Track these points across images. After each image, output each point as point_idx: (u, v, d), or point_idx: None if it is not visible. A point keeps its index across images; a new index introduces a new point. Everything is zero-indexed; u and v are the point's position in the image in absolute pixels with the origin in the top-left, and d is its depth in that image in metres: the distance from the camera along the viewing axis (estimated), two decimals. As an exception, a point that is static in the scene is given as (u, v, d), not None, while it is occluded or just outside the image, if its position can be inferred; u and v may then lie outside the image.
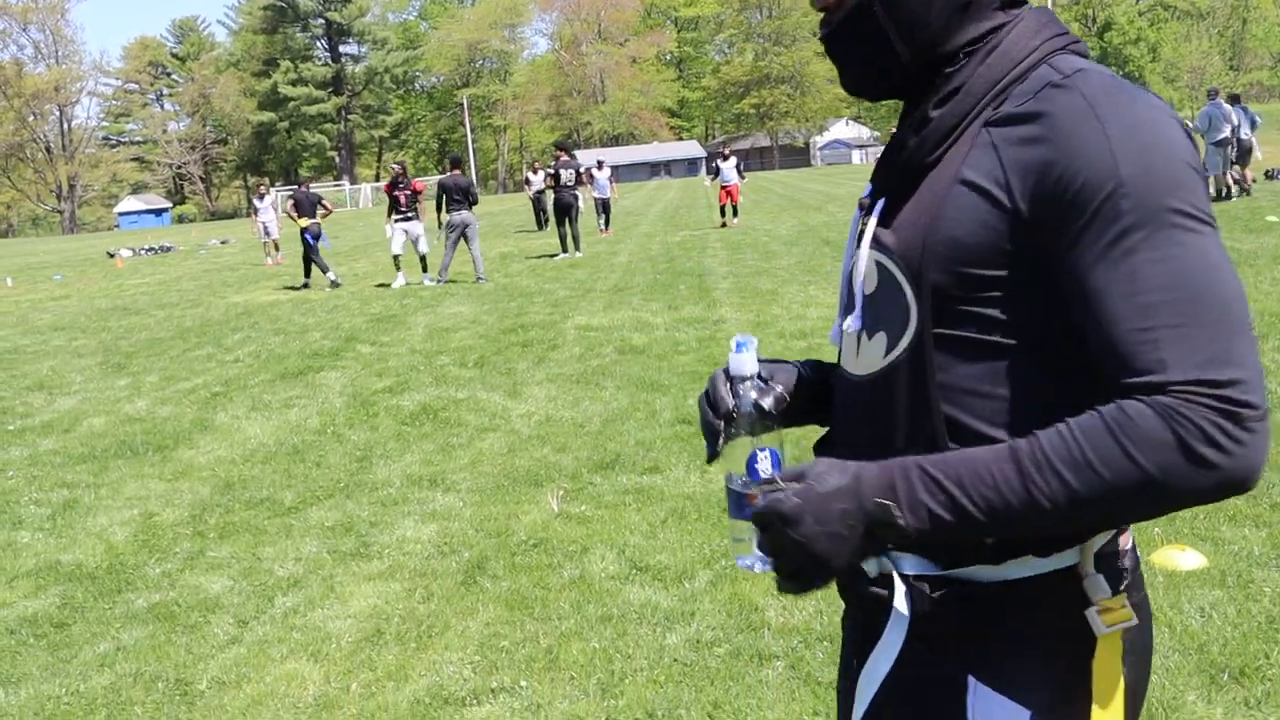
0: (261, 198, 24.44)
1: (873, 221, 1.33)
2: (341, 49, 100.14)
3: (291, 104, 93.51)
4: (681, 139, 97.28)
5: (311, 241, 18.04)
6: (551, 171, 20.91)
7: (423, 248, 17.48)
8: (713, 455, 1.38)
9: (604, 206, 24.87)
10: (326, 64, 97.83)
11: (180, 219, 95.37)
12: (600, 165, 24.52)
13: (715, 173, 24.55)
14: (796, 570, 1.20)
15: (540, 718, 3.45)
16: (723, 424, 1.34)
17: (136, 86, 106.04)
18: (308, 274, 18.18)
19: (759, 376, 1.37)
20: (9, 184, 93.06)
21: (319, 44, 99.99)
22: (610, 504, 5.47)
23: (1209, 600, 3.81)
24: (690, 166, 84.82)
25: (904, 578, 1.27)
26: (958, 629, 1.26)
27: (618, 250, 20.50)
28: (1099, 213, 1.13)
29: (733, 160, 24.16)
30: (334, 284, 17.64)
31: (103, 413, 8.90)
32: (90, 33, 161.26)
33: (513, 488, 5.90)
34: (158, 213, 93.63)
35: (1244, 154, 20.00)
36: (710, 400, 1.39)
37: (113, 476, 6.89)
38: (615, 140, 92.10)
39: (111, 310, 17.45)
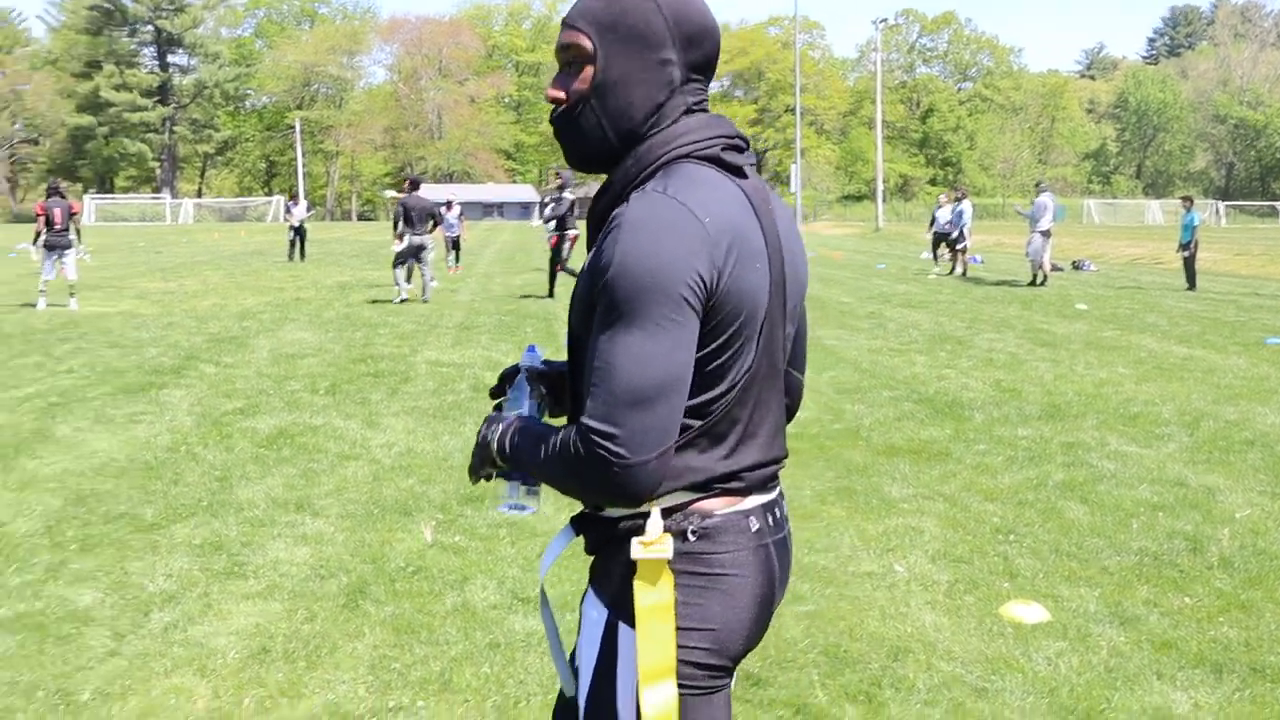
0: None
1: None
2: (170, 58, 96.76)
3: (113, 109, 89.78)
4: (515, 182, 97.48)
5: None
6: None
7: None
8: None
9: (454, 244, 25.14)
10: (154, 72, 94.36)
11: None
12: (449, 205, 24.61)
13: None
14: (473, 463, 1.91)
15: (442, 736, 3.56)
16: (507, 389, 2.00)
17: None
18: None
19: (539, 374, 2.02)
20: None
21: (146, 51, 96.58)
22: (484, 536, 5.59)
23: (1054, 650, 4.19)
24: (523, 210, 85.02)
25: (575, 517, 1.90)
26: (593, 549, 1.87)
27: (458, 288, 20.53)
28: (600, 293, 1.67)
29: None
30: None
31: (-70, 416, 8.52)
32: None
33: (383, 516, 5.96)
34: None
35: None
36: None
37: (-48, 482, 6.64)
38: (450, 178, 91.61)
39: (-80, 309, 16.57)
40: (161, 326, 14.32)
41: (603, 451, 1.61)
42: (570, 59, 1.81)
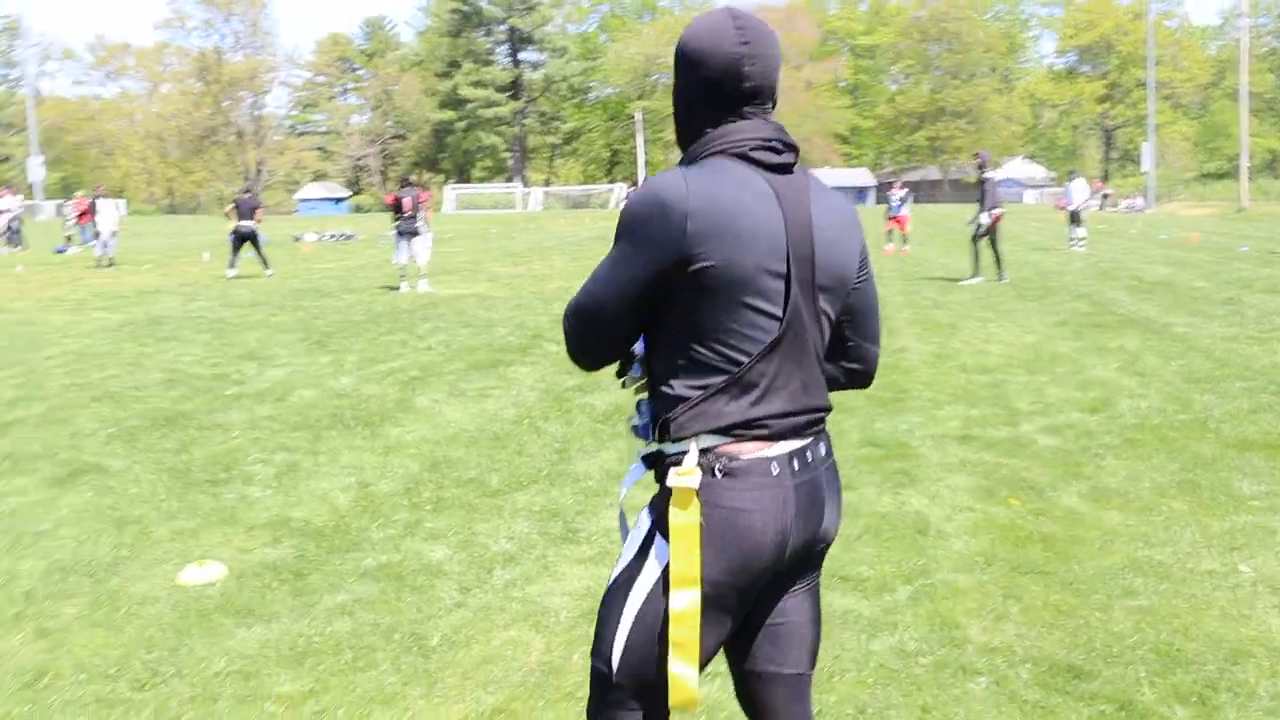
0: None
1: None
2: (521, 55, 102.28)
3: (470, 105, 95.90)
4: (851, 166, 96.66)
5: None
6: None
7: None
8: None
9: None
10: (506, 68, 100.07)
11: (357, 209, 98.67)
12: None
13: (887, 201, 25.77)
14: None
15: (757, 703, 3.67)
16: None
17: (325, 79, 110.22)
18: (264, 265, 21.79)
19: None
20: (201, 164, 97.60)
21: (500, 49, 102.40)
22: (805, 515, 5.66)
23: None
24: (859, 194, 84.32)
25: (644, 455, 2.31)
26: (656, 479, 2.26)
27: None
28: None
29: (900, 192, 25.17)
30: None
31: (311, 386, 9.48)
32: (286, 26, 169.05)
33: (708, 491, 6.14)
34: (336, 201, 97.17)
35: None
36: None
37: (328, 445, 7.37)
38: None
39: (304, 291, 18.36)
40: (510, 308, 15.24)
41: (564, 327, 2.30)
42: None
